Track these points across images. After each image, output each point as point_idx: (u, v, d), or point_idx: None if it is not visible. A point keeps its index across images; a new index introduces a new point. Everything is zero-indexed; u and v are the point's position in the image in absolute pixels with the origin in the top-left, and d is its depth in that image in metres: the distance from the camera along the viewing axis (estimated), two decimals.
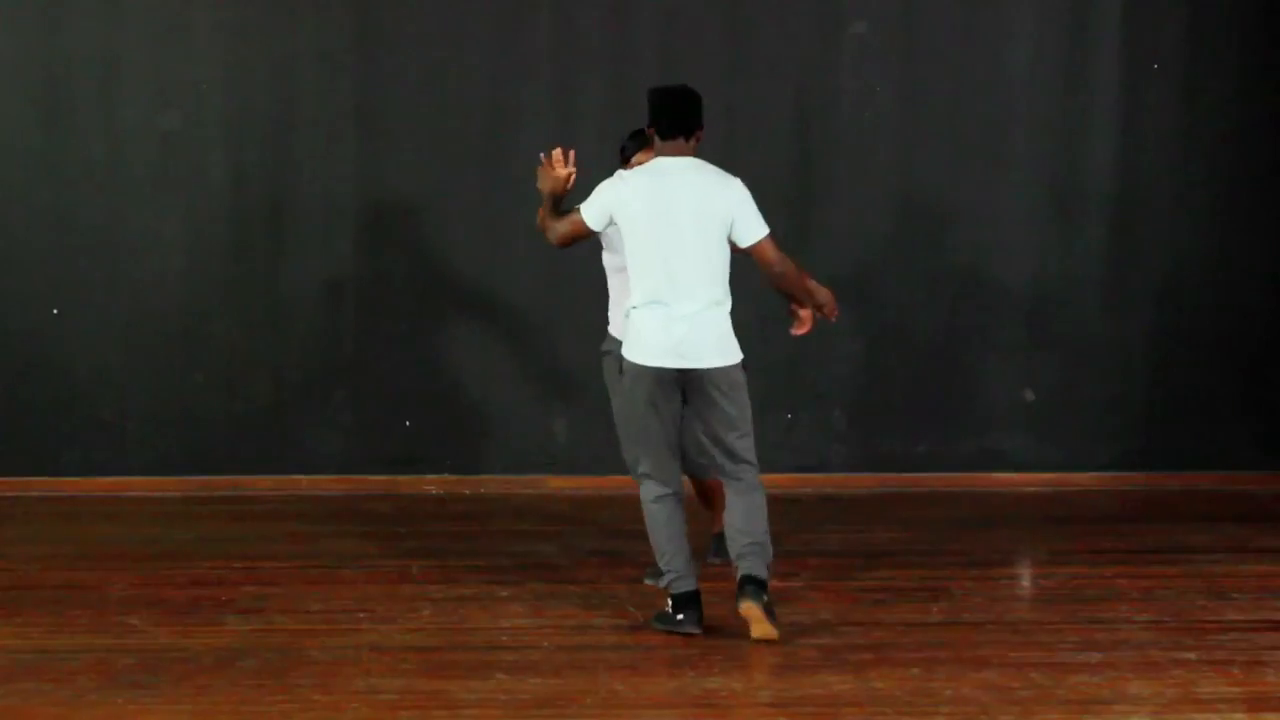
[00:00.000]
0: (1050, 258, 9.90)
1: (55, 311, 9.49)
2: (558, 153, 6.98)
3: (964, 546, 8.41)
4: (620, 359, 6.84)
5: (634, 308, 6.74)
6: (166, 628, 6.84)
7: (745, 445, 6.79)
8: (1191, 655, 6.51)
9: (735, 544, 6.74)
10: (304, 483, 9.50)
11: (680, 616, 6.75)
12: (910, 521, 9.03)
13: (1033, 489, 9.82)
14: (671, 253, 6.65)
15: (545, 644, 6.63)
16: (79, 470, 9.58)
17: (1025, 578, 8.12)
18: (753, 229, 6.75)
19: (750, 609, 6.58)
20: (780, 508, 9.23)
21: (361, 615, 7.00)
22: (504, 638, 6.72)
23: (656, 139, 6.83)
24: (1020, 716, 5.81)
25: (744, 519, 6.74)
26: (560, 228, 6.92)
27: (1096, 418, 9.94)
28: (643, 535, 8.49)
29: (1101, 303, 9.92)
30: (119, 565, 7.90)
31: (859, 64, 9.69)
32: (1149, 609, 7.25)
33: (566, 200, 6.98)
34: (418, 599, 7.29)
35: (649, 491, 6.85)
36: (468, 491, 9.69)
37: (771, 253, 6.78)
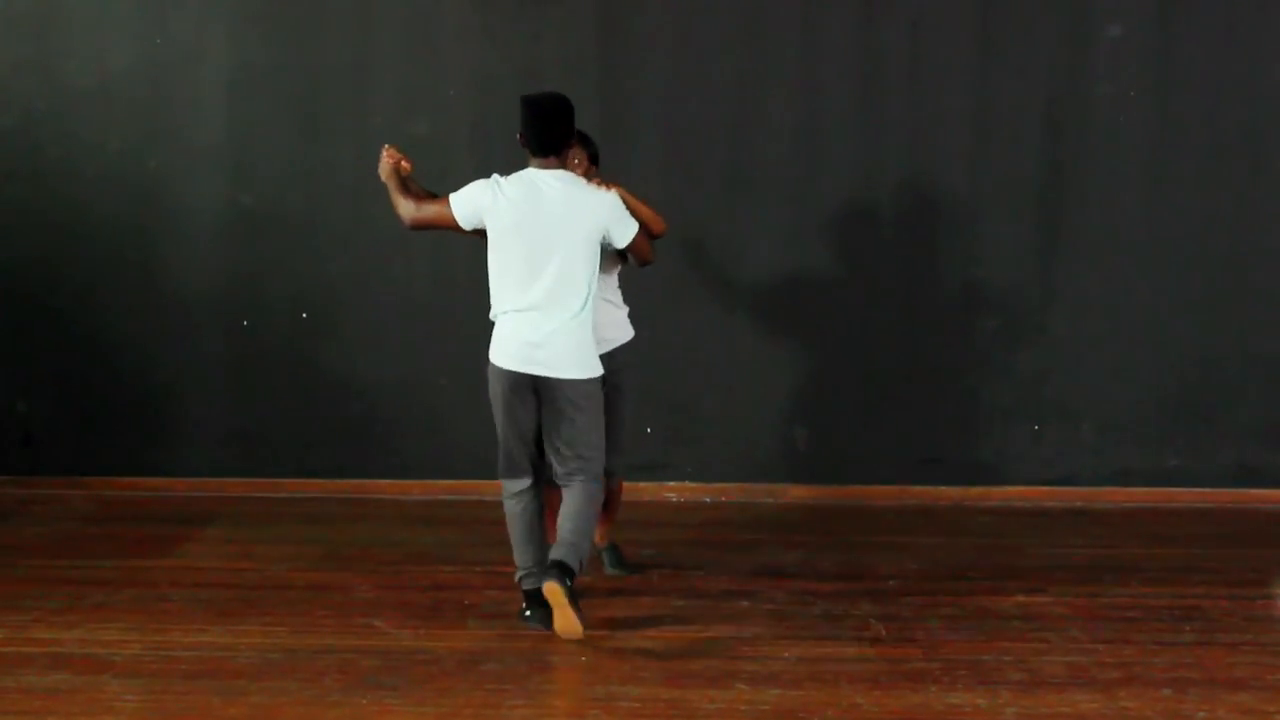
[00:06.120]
0: None
1: (304, 315, 9.68)
2: (392, 149, 7.18)
3: (1218, 564, 8.18)
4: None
5: (500, 313, 6.90)
6: (410, 630, 6.93)
7: (591, 455, 6.92)
8: None
9: (561, 529, 6.86)
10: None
11: (528, 613, 6.94)
12: (1161, 538, 8.81)
13: None
14: (537, 266, 6.81)
15: (786, 655, 6.57)
16: (326, 473, 9.76)
17: None
18: (626, 231, 6.97)
19: (554, 590, 6.60)
20: (1026, 521, 9.16)
21: (601, 622, 6.99)
22: (744, 648, 6.68)
23: (528, 151, 6.95)
24: None
25: (576, 509, 6.86)
26: (423, 211, 7.09)
27: None
28: (887, 547, 8.47)
29: None
30: (363, 567, 8.02)
31: (1113, 68, 9.47)
32: None
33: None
34: (658, 607, 7.28)
35: (505, 489, 7.03)
36: (708, 499, 9.67)
37: (645, 246, 7.08)
